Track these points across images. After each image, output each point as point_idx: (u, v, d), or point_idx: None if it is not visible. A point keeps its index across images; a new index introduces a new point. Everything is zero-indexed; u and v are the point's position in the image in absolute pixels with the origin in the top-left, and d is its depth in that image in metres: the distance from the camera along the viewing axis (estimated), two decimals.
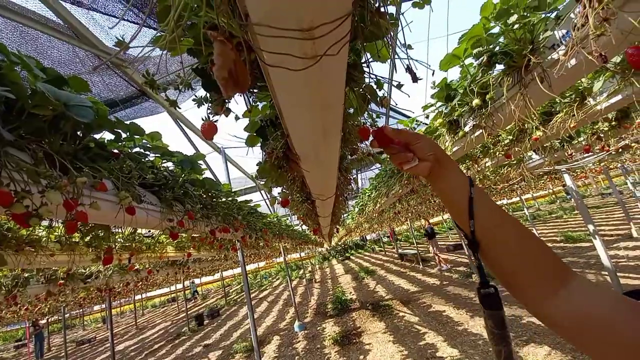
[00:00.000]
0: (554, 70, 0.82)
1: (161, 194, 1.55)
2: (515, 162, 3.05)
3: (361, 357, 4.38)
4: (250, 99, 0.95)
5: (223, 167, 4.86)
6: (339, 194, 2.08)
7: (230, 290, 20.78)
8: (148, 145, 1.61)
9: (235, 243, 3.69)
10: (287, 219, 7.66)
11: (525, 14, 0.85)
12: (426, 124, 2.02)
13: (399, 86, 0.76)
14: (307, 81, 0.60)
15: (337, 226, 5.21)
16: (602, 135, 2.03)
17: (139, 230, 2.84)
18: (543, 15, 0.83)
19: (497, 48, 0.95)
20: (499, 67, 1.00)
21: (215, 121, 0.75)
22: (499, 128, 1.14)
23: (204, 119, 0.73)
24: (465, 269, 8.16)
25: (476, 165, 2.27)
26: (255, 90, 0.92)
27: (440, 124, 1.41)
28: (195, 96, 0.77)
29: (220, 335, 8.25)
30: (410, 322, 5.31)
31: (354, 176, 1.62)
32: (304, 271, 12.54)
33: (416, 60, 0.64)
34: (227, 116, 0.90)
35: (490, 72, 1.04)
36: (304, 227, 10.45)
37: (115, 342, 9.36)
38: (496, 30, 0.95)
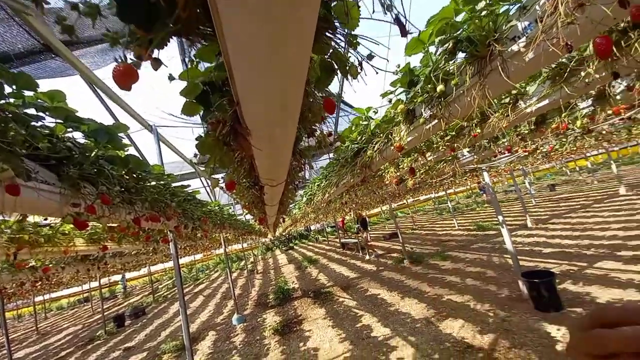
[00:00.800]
0: (514, 62, 0.85)
1: (62, 170, 1.20)
2: (450, 158, 3.38)
3: (301, 344, 4.42)
4: (191, 52, 0.76)
5: (155, 147, 4.26)
6: (290, 181, 1.96)
7: (160, 286, 18.92)
8: (45, 106, 1.23)
9: (168, 234, 3.27)
10: (230, 208, 7.21)
11: (490, 2, 0.85)
12: (372, 119, 2.00)
13: (370, 57, 0.67)
14: (269, 24, 0.46)
15: (284, 216, 5.09)
16: (523, 137, 2.35)
17: (35, 218, 2.26)
18: (506, 7, 0.85)
19: (462, 34, 0.95)
20: (461, 56, 1.02)
21: (136, 66, 0.55)
22: (456, 118, 1.17)
23: (119, 59, 0.53)
24: (398, 255, 8.95)
25: (421, 159, 2.42)
26: (200, 41, 0.73)
27: (402, 110, 1.40)
28: (108, 31, 0.55)
29: (146, 335, 7.43)
30: (349, 307, 5.57)
31: (308, 161, 1.51)
32: (246, 262, 12.14)
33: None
34: (155, 69, 0.69)
35: (454, 59, 1.05)
36: (249, 216, 10.04)
37: (12, 349, 7.64)
38: (461, 17, 0.94)
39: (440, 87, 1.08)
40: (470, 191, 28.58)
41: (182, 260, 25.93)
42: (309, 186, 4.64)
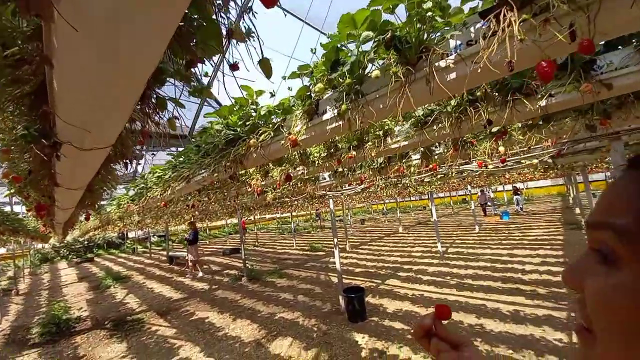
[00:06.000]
0: (444, 75, 0.86)
1: None
2: (313, 178, 3.55)
3: None
4: None
5: None
6: (119, 152, 1.27)
7: None
8: None
9: None
10: None
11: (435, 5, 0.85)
12: (258, 105, 1.67)
13: None
14: None
15: (90, 211, 3.54)
16: (376, 170, 2.82)
17: None
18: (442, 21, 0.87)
19: (399, 31, 0.90)
20: (392, 56, 0.97)
21: None
22: (370, 120, 1.10)
23: None
24: (237, 272, 8.47)
25: (294, 171, 2.33)
26: None
27: (320, 89, 1.18)
28: None
29: None
30: (165, 337, 4.50)
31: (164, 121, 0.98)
32: None
33: None
34: None
35: (386, 55, 0.97)
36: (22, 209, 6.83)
37: None
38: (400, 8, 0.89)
39: (375, 73, 0.97)
40: (309, 215, 32.59)
41: None
42: (142, 177, 3.51)
